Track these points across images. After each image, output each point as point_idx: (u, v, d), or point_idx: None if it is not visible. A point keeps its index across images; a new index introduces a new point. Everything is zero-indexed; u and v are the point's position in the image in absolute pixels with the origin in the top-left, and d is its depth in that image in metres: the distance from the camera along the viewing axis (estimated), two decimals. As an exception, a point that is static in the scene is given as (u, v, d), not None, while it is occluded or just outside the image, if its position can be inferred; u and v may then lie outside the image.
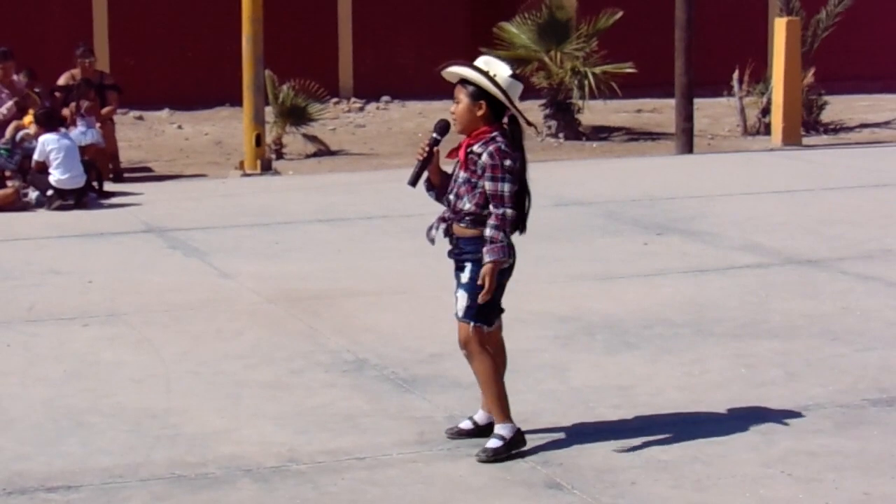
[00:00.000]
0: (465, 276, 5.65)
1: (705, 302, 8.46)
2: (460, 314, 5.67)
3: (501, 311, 5.81)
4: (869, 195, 12.72)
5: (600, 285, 9.02)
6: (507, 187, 5.54)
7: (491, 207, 5.56)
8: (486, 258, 5.55)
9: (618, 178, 14.16)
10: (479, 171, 5.58)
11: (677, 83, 16.38)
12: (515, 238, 5.68)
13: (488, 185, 5.55)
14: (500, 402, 5.70)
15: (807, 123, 18.07)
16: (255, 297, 8.78)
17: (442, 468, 5.61)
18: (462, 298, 5.65)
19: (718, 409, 6.31)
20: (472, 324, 5.65)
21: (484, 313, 5.66)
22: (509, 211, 5.54)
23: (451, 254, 5.74)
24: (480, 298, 5.57)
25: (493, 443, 5.68)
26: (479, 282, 5.57)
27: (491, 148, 5.56)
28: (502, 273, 5.65)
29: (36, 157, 12.62)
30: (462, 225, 5.65)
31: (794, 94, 17.12)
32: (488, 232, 5.55)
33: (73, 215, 12.17)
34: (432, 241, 5.76)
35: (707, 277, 9.21)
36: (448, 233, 5.71)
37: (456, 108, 5.67)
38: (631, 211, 11.93)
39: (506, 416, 5.70)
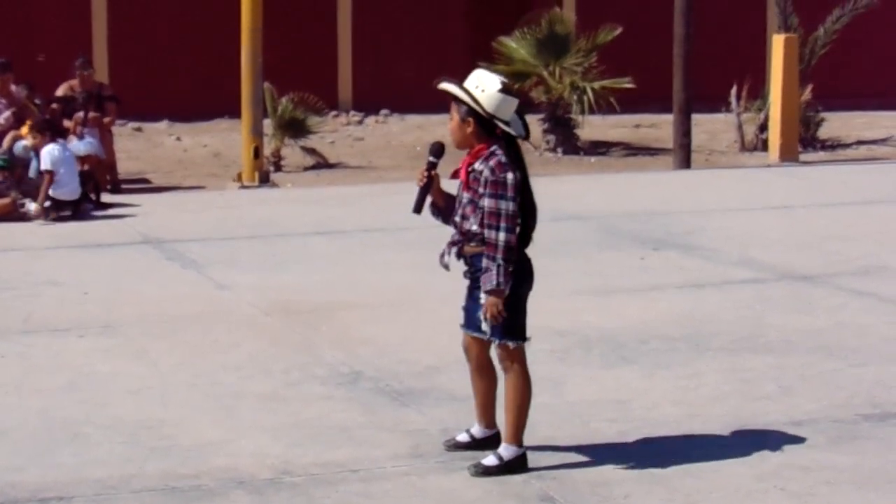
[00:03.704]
0: (483, 295, 5.61)
1: (702, 317, 8.47)
2: (489, 334, 5.63)
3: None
4: (865, 211, 12.74)
5: (597, 299, 9.03)
6: (504, 205, 5.49)
7: (485, 231, 5.51)
8: (483, 287, 5.54)
9: (616, 193, 14.17)
10: (482, 189, 5.55)
11: (675, 99, 16.41)
12: None
13: (487, 202, 5.51)
14: (517, 423, 5.67)
15: (804, 140, 18.10)
16: (252, 309, 8.78)
17: (436, 481, 5.61)
18: (485, 320, 5.63)
19: (713, 424, 6.31)
20: (497, 341, 5.63)
21: (510, 330, 5.62)
22: (503, 236, 5.48)
23: (466, 274, 5.72)
24: (491, 319, 5.56)
25: (489, 460, 5.67)
26: (483, 314, 5.57)
27: (492, 163, 5.54)
28: (522, 286, 5.62)
29: (48, 166, 12.53)
30: (472, 244, 5.63)
31: (792, 111, 17.15)
32: (483, 262, 5.54)
33: (71, 226, 12.18)
34: (446, 266, 5.73)
35: (704, 292, 9.22)
36: (460, 254, 5.71)
37: (450, 124, 5.69)
38: (628, 226, 11.94)
39: (516, 438, 5.68)
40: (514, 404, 5.67)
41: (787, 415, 6.44)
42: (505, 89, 5.56)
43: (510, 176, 5.52)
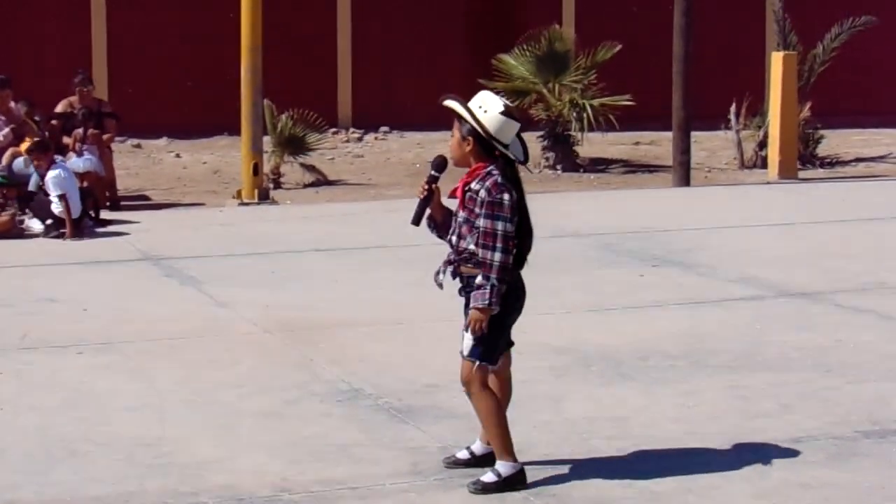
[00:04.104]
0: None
1: (701, 334, 8.46)
2: (465, 352, 5.65)
3: (510, 344, 5.80)
4: (864, 228, 12.75)
5: (596, 317, 9.02)
6: (500, 226, 5.51)
7: (480, 250, 5.52)
8: (472, 303, 5.55)
9: (615, 210, 14.18)
10: (479, 211, 5.56)
11: (675, 116, 16.44)
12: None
13: (482, 222, 5.52)
14: (501, 439, 5.67)
15: (803, 157, 18.12)
16: (251, 326, 8.78)
17: (435, 498, 5.60)
18: (467, 337, 5.63)
19: (712, 441, 6.30)
20: (476, 363, 5.64)
21: (488, 352, 5.63)
22: (498, 256, 5.49)
23: (461, 292, 5.73)
24: (471, 333, 5.58)
25: (487, 477, 5.66)
26: (468, 328, 5.58)
27: (488, 183, 5.55)
28: (508, 313, 5.65)
29: (60, 191, 12.42)
30: (469, 265, 5.63)
31: (791, 128, 17.17)
32: (478, 279, 5.54)
33: (69, 243, 12.17)
34: (440, 285, 5.74)
35: (703, 309, 9.22)
36: (456, 274, 5.71)
37: (451, 141, 5.72)
38: (628, 243, 11.95)
39: (507, 453, 5.67)
40: (487, 420, 5.67)
41: (787, 432, 6.43)
42: (507, 112, 5.57)
43: (507, 196, 5.53)
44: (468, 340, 5.62)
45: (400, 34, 22.54)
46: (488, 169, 5.60)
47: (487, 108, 5.58)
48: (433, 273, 5.76)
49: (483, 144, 5.60)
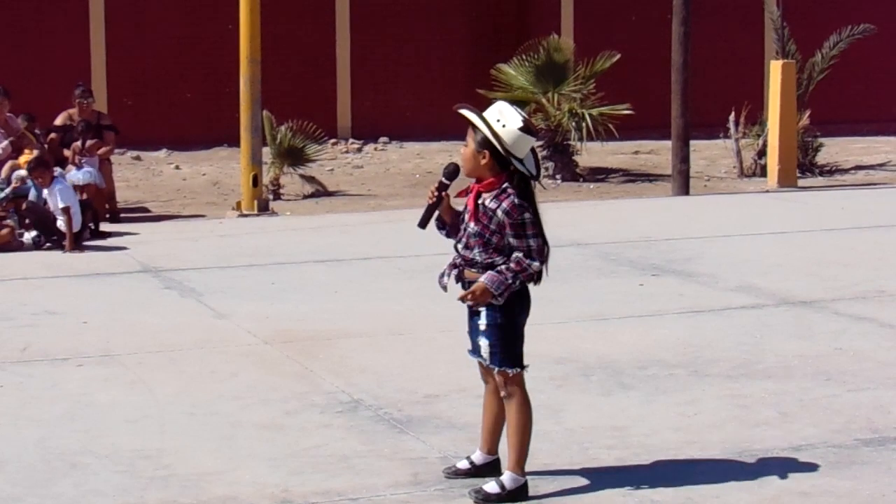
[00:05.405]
0: (482, 322, 5.64)
1: (700, 343, 8.47)
2: (488, 361, 5.66)
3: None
4: (863, 237, 12.75)
5: (596, 326, 9.03)
6: (533, 242, 5.52)
7: (522, 255, 5.52)
8: (485, 280, 5.52)
9: (614, 220, 14.18)
10: (494, 228, 5.55)
11: (674, 125, 16.45)
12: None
13: (514, 242, 5.53)
14: (520, 451, 5.67)
15: (802, 165, 18.13)
16: (251, 337, 8.78)
17: (435, 509, 5.60)
18: (485, 346, 5.64)
19: (712, 450, 6.31)
20: (497, 369, 5.64)
21: (511, 357, 5.64)
22: (536, 264, 5.52)
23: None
24: (468, 298, 5.57)
25: (491, 487, 5.66)
26: (463, 296, 5.57)
27: (505, 204, 5.53)
28: (520, 315, 5.66)
29: (65, 203, 12.41)
30: (474, 270, 5.63)
31: (790, 137, 17.17)
32: (503, 267, 5.51)
33: (69, 256, 12.18)
34: (444, 288, 5.74)
35: (702, 318, 9.23)
36: (460, 278, 5.71)
37: (464, 151, 5.70)
38: (627, 252, 11.95)
39: (519, 466, 5.67)
40: (517, 431, 5.67)
41: (787, 440, 6.44)
42: (526, 128, 5.54)
43: (527, 216, 5.54)
44: (486, 350, 5.63)
45: (399, 44, 22.57)
46: (503, 186, 5.57)
47: (506, 121, 5.53)
48: (437, 276, 5.77)
49: (499, 158, 5.57)
